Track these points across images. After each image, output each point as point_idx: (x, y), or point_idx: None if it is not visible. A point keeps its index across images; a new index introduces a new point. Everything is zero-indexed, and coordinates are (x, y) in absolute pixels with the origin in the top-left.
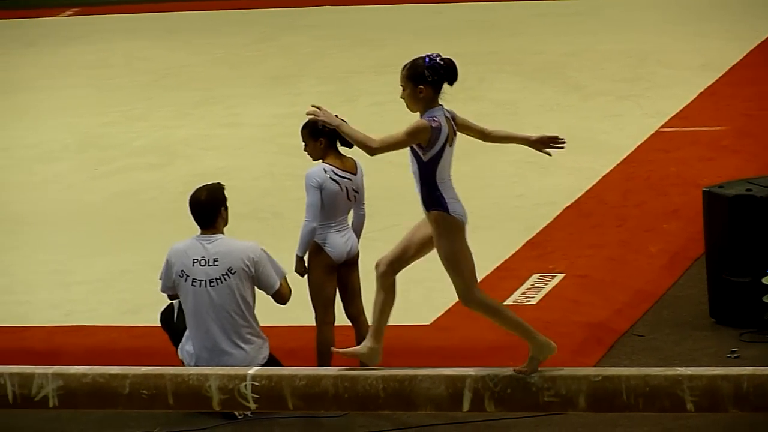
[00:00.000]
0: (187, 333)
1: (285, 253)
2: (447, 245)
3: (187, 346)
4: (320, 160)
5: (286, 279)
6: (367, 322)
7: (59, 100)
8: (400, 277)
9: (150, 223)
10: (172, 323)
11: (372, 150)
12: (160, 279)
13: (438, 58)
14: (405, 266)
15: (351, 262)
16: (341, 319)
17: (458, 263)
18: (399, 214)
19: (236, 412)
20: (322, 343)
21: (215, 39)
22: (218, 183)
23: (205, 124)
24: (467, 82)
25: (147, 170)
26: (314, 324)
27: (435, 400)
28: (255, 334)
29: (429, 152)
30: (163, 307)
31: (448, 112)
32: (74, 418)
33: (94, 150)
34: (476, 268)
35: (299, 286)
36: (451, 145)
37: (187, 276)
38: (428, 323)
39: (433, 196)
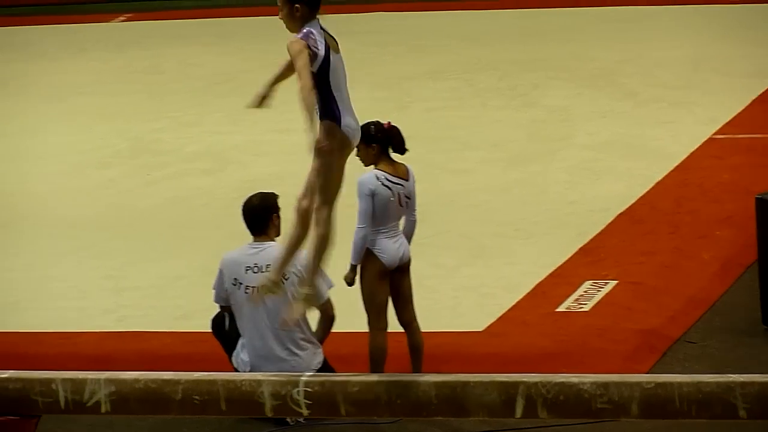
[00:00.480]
0: (241, 341)
1: (337, 259)
2: (325, 155)
3: (242, 355)
4: (372, 166)
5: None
6: (419, 328)
7: (112, 106)
8: (454, 283)
9: (202, 229)
10: (224, 331)
11: (309, 91)
12: (214, 289)
13: None
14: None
15: (403, 268)
16: (394, 325)
17: (329, 177)
18: (451, 220)
19: (288, 418)
20: (374, 349)
21: (268, 45)
22: (272, 192)
23: (257, 130)
24: (520, 89)
25: (199, 176)
26: (367, 330)
27: (488, 407)
28: (308, 341)
29: (314, 63)
30: (213, 314)
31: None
32: (126, 423)
33: (146, 156)
34: (529, 274)
35: (351, 292)
36: (337, 52)
37: (240, 283)
38: (481, 330)
39: (327, 105)
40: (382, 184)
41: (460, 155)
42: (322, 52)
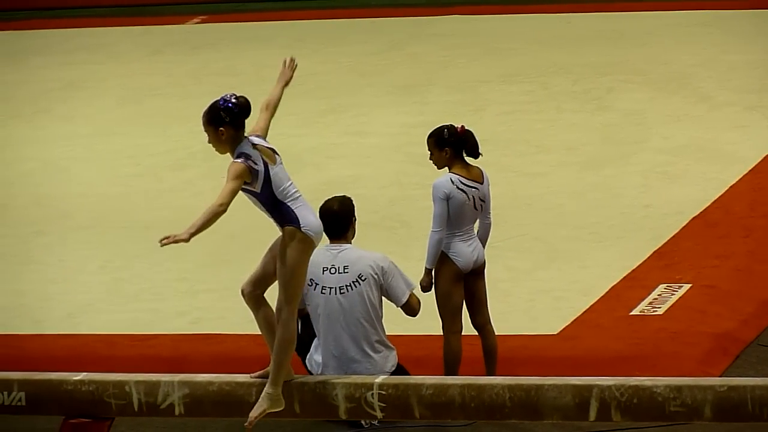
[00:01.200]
0: (315, 342)
1: (412, 262)
2: (289, 257)
3: (315, 356)
4: (446, 169)
5: (413, 292)
6: (493, 331)
7: (187, 108)
8: (528, 287)
9: (276, 231)
10: (297, 333)
11: (220, 207)
12: None
13: (233, 98)
14: (269, 284)
15: (478, 271)
16: (468, 328)
17: (292, 277)
18: (525, 223)
19: (363, 421)
20: (449, 352)
21: (343, 47)
22: (347, 196)
23: (332, 132)
24: (595, 92)
25: None
26: (441, 333)
27: (561, 410)
28: (383, 343)
29: (257, 184)
30: None
31: (254, 137)
32: (200, 426)
33: (221, 158)
34: (603, 277)
35: (426, 295)
36: (274, 164)
37: (317, 284)
38: (555, 333)
39: (284, 214)
40: (457, 187)
41: (534, 159)
42: (262, 169)
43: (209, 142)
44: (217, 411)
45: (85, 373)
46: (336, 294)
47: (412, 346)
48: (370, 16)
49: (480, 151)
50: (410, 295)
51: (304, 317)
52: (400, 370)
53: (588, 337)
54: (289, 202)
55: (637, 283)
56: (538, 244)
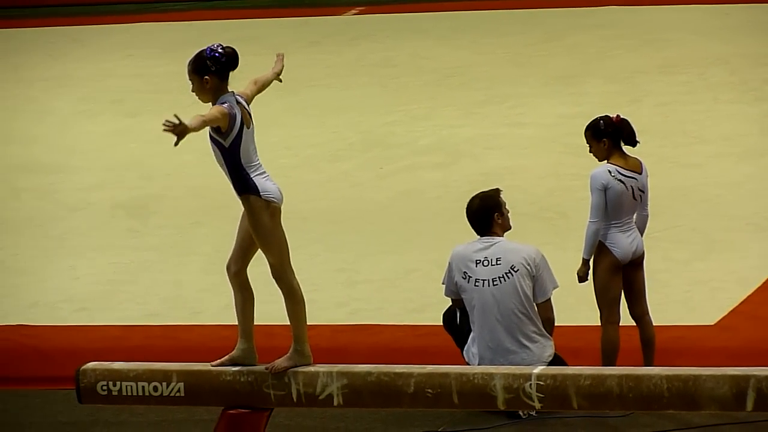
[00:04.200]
0: (472, 334)
1: (570, 252)
2: (260, 226)
3: (473, 348)
4: (605, 161)
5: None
6: (651, 322)
7: (344, 99)
8: (685, 277)
9: (435, 222)
10: (455, 324)
11: (200, 121)
12: (443, 283)
13: (219, 48)
14: (250, 258)
15: (636, 262)
16: (626, 318)
17: (271, 243)
18: (683, 214)
19: (521, 412)
20: (607, 342)
21: (500, 38)
22: (494, 189)
23: (489, 123)
24: (752, 83)
25: (432, 169)
26: (599, 323)
27: (719, 400)
28: (539, 333)
29: (228, 137)
30: (445, 308)
31: (239, 96)
32: (358, 416)
33: (379, 149)
34: (760, 268)
35: (585, 285)
36: (249, 127)
37: (470, 277)
38: (712, 323)
39: (242, 180)
40: (615, 178)
41: (691, 149)
42: (238, 125)
43: (193, 90)
44: (376, 401)
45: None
46: (489, 286)
47: (569, 336)
48: (528, 6)
49: (637, 138)
50: (548, 300)
51: (462, 309)
52: (557, 360)
53: (745, 328)
54: (250, 170)
55: None
56: (695, 235)
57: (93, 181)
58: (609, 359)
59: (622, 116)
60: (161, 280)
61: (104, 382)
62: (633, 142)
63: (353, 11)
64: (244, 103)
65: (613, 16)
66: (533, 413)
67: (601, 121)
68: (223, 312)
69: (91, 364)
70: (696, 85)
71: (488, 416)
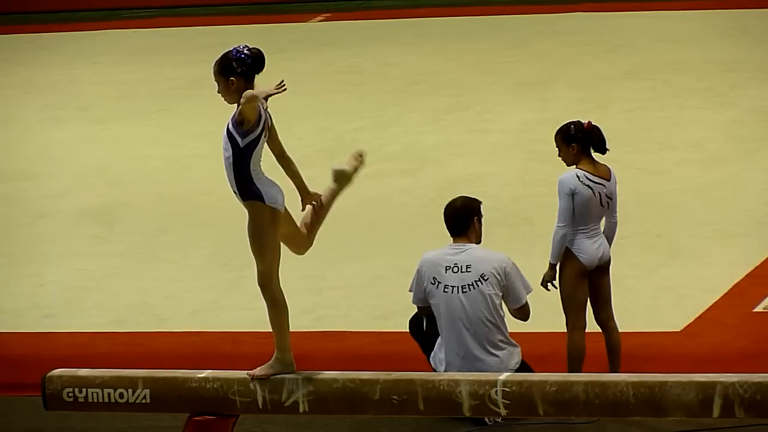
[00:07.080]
0: (439, 340)
1: (536, 259)
2: (258, 232)
3: (439, 354)
4: (573, 166)
5: None
6: (617, 328)
7: (310, 106)
8: (651, 284)
9: (401, 229)
10: (422, 331)
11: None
12: (411, 291)
13: (245, 50)
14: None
15: (603, 268)
16: (591, 324)
17: (264, 251)
18: (649, 220)
19: (486, 418)
20: (573, 348)
21: (466, 45)
22: (477, 198)
23: (455, 130)
24: (718, 89)
25: (398, 176)
26: (565, 330)
27: (685, 407)
28: (506, 342)
29: (247, 137)
30: (412, 315)
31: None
32: (324, 423)
33: (345, 155)
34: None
35: (551, 292)
36: (265, 137)
37: (439, 282)
38: (679, 330)
39: (246, 186)
40: (583, 183)
41: (657, 156)
42: (256, 133)
43: (218, 92)
44: (341, 408)
45: (209, 371)
46: (458, 293)
47: (535, 343)
48: (494, 13)
49: (607, 146)
50: (525, 303)
51: (429, 316)
52: (523, 367)
53: (711, 335)
54: (255, 176)
55: (760, 280)
56: (661, 242)
57: (59, 187)
58: (575, 365)
59: (593, 123)
60: (127, 287)
61: (70, 389)
62: (603, 150)
63: (319, 18)
64: (268, 114)
65: (580, 22)
66: (499, 420)
67: (572, 126)
68: (189, 319)
69: (57, 371)
70: (662, 92)
71: (455, 423)
